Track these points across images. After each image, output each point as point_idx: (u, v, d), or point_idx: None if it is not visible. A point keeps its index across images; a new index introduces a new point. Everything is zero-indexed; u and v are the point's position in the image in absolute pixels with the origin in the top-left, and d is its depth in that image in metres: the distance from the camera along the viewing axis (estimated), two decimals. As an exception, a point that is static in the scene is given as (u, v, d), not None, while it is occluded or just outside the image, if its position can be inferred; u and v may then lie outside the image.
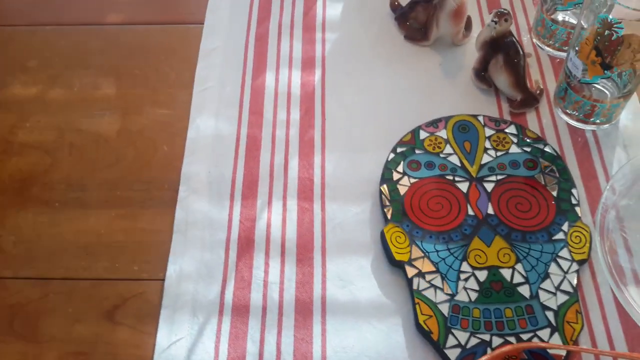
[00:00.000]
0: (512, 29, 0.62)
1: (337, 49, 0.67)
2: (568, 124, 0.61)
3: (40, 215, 0.56)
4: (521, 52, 0.61)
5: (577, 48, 0.55)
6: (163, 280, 0.52)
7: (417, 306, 0.49)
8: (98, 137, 0.61)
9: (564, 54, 0.65)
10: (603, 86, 0.58)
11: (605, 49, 0.52)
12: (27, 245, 0.55)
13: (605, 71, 0.54)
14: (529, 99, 0.61)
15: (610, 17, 0.50)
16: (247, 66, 0.66)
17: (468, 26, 0.68)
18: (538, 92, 0.62)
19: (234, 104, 0.63)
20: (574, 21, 0.64)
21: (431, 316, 0.49)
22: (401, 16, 0.68)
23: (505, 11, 0.59)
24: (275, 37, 0.68)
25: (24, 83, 0.66)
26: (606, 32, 0.51)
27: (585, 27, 0.55)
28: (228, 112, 0.62)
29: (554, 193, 0.55)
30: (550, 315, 0.49)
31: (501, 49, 0.61)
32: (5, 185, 0.58)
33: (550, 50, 0.66)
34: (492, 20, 0.59)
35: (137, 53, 0.67)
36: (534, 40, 0.67)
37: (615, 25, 0.50)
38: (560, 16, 0.64)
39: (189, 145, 0.60)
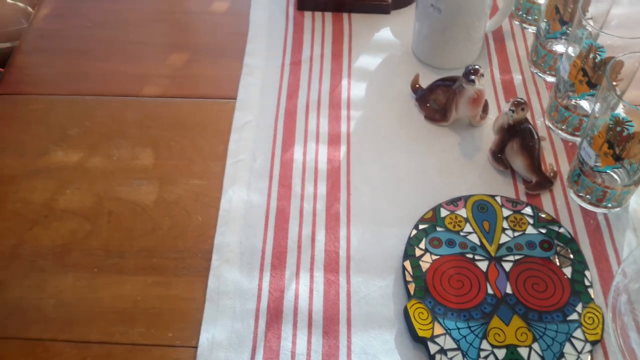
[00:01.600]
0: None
1: (361, 126, 0.71)
2: (581, 206, 0.64)
3: (79, 280, 0.59)
4: (536, 137, 0.65)
5: (590, 139, 0.59)
6: (196, 347, 0.55)
7: (439, 382, 0.52)
8: (136, 206, 0.64)
9: (576, 139, 0.69)
10: (614, 173, 0.62)
11: (617, 142, 0.56)
12: (66, 309, 0.58)
13: (617, 162, 0.58)
14: (543, 182, 0.65)
15: (622, 115, 0.54)
16: (276, 140, 0.70)
17: (485, 108, 0.72)
18: (552, 174, 0.66)
19: (265, 177, 0.67)
20: (585, 107, 0.68)
21: (453, 392, 0.51)
22: (422, 97, 0.73)
23: (522, 101, 0.64)
24: (304, 113, 0.72)
25: (65, 151, 0.69)
26: (618, 129, 0.55)
27: (597, 116, 0.59)
28: (259, 184, 0.66)
29: (568, 274, 0.58)
30: (566, 394, 0.52)
31: (517, 134, 0.65)
32: (46, 250, 0.61)
33: (563, 134, 0.70)
34: (510, 109, 0.63)
35: (173, 125, 0.71)
36: (547, 123, 0.72)
37: (626, 123, 0.54)
38: (573, 102, 0.68)
39: (222, 216, 0.63)
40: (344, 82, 0.76)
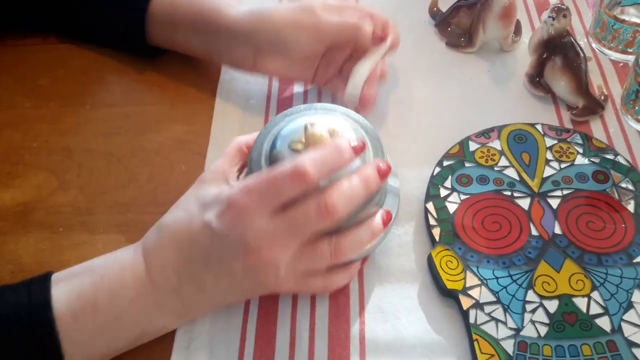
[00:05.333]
0: (568, 30, 0.55)
1: (371, 59, 0.61)
2: (639, 131, 0.53)
3: (42, 242, 0.50)
4: (582, 54, 0.54)
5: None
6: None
7: (475, 343, 0.41)
8: (110, 157, 0.55)
9: (629, 57, 0.58)
10: (681, 87, 0.51)
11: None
12: (25, 275, 0.48)
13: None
14: (592, 105, 0.54)
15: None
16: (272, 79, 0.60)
17: (517, 31, 0.61)
18: (602, 97, 0.55)
19: (260, 118, 0.57)
20: (637, 19, 0.57)
21: (493, 355, 0.41)
22: (442, 22, 0.62)
23: (563, 6, 0.53)
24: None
25: (34, 102, 0.60)
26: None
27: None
28: (253, 127, 0.56)
29: (631, 209, 0.47)
30: (637, 352, 0.41)
31: (559, 50, 0.54)
32: (5, 210, 0.52)
33: (613, 53, 0.59)
34: (549, 16, 0.52)
35: (151, 65, 0.62)
36: (593, 44, 0.60)
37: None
38: (623, 12, 0.57)
39: (210, 163, 0.54)
40: (350, 11, 0.65)
